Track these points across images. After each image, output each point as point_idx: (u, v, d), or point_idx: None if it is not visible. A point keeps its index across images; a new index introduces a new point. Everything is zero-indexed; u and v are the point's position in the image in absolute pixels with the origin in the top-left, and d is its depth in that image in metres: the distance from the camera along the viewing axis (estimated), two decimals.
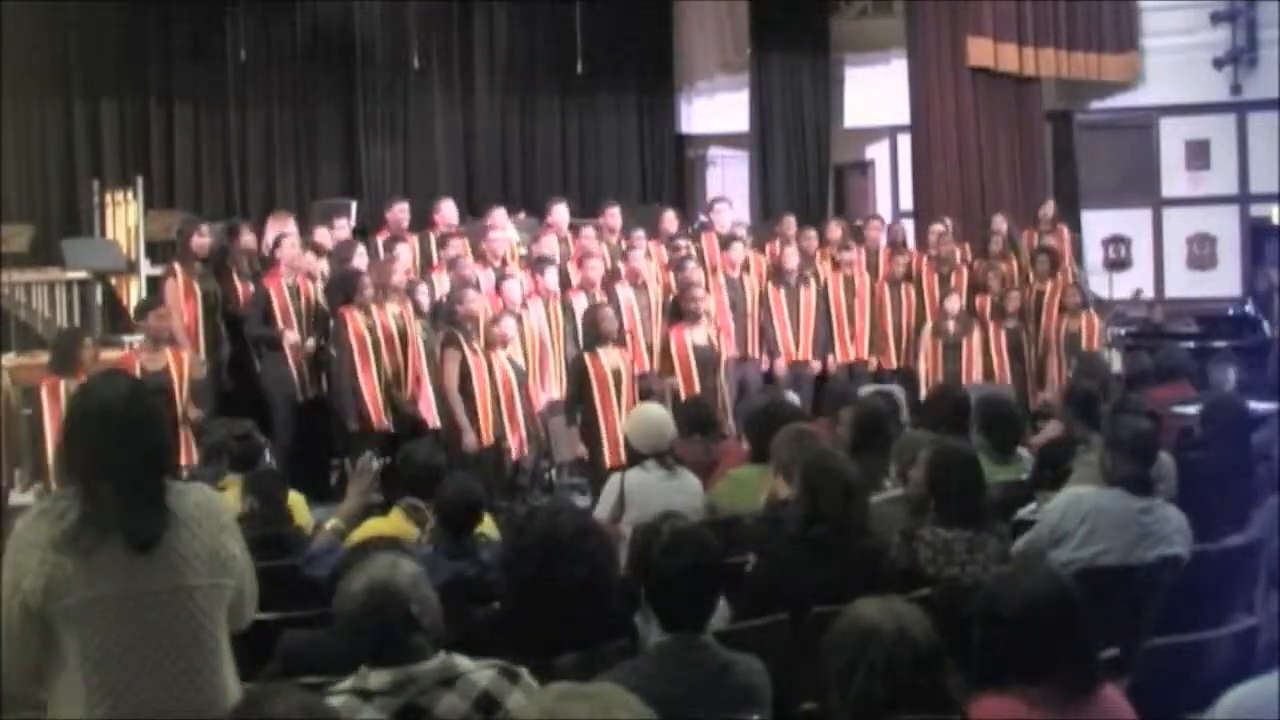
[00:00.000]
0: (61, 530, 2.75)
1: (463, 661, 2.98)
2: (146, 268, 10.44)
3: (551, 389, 9.28)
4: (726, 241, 10.72)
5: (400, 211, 10.27)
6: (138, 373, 7.71)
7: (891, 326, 10.93)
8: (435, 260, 9.91)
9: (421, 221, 10.50)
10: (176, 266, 8.98)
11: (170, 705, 2.78)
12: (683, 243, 10.82)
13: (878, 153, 15.33)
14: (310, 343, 8.97)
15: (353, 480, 5.14)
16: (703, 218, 12.19)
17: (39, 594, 2.73)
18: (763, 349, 10.52)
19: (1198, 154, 13.99)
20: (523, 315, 9.00)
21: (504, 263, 9.77)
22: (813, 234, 11.27)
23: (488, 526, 4.99)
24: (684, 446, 6.32)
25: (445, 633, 3.07)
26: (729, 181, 15.67)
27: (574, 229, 10.74)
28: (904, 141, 14.46)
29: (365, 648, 2.93)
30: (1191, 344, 10.47)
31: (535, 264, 9.66)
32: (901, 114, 14.10)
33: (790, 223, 11.47)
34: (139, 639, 2.77)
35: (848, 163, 15.61)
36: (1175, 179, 14.09)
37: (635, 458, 5.93)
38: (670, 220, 11.23)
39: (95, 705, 2.74)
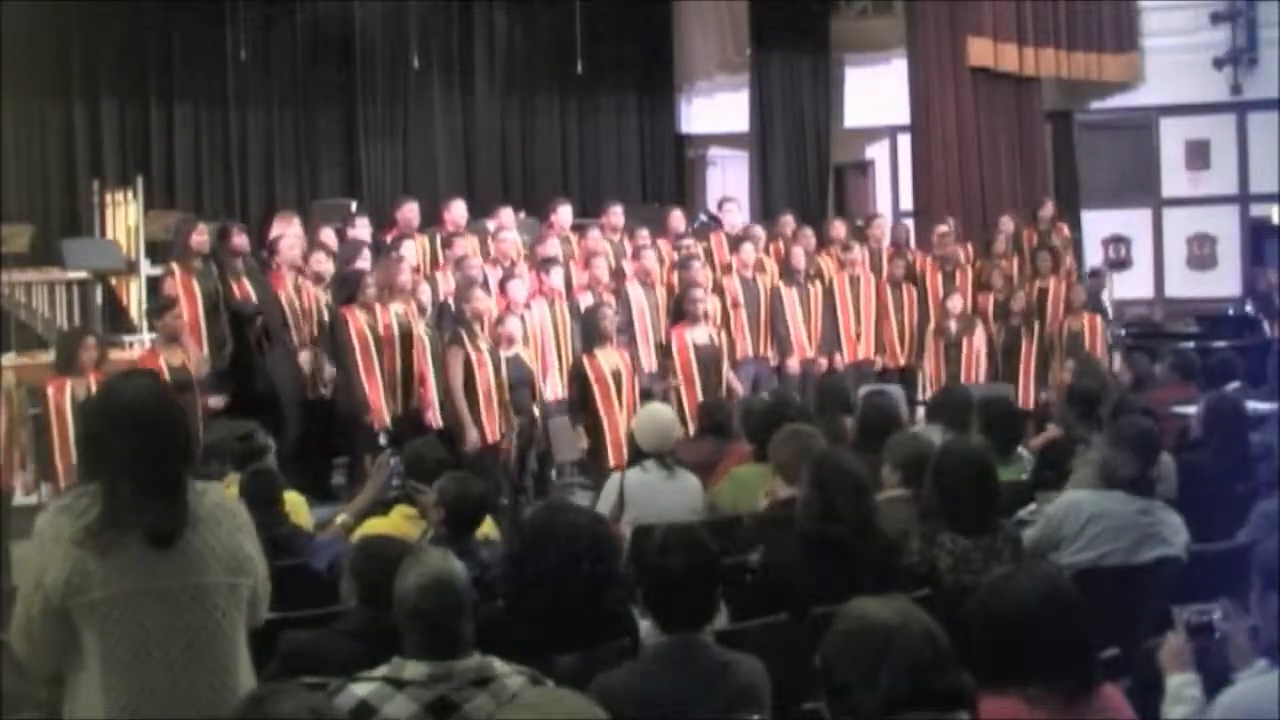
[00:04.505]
0: (82, 526, 2.76)
1: (499, 664, 3.02)
2: (146, 268, 10.44)
3: (556, 388, 9.29)
4: (737, 241, 10.72)
5: (410, 211, 10.31)
6: (164, 368, 7.74)
7: (895, 326, 10.94)
8: (441, 259, 9.92)
9: (429, 221, 10.51)
10: (175, 266, 8.98)
11: (188, 704, 2.78)
12: (688, 242, 10.84)
13: (878, 153, 15.34)
14: (305, 356, 8.93)
15: (371, 476, 5.14)
16: (703, 216, 12.20)
17: (60, 589, 2.73)
18: (773, 347, 10.53)
19: (1198, 154, 14.00)
20: (525, 315, 9.00)
21: (512, 263, 9.78)
22: (809, 233, 11.28)
23: (488, 526, 4.99)
24: (693, 446, 6.34)
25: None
26: (729, 181, 15.67)
27: (577, 229, 10.75)
28: (904, 141, 14.48)
29: (424, 638, 2.99)
30: (1192, 344, 10.48)
31: (541, 264, 9.67)
32: (901, 114, 14.11)
33: (788, 222, 11.49)
34: (158, 637, 2.78)
35: (848, 163, 15.62)
36: (1175, 179, 14.11)
37: (637, 456, 5.94)
38: (677, 219, 11.28)
39: (113, 704, 2.74)
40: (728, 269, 10.56)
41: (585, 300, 9.49)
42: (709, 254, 10.78)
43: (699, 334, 9.25)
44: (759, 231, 11.20)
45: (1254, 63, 13.58)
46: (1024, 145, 13.81)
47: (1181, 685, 3.09)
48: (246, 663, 2.93)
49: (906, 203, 14.52)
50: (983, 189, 13.57)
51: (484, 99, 14.53)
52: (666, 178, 15.77)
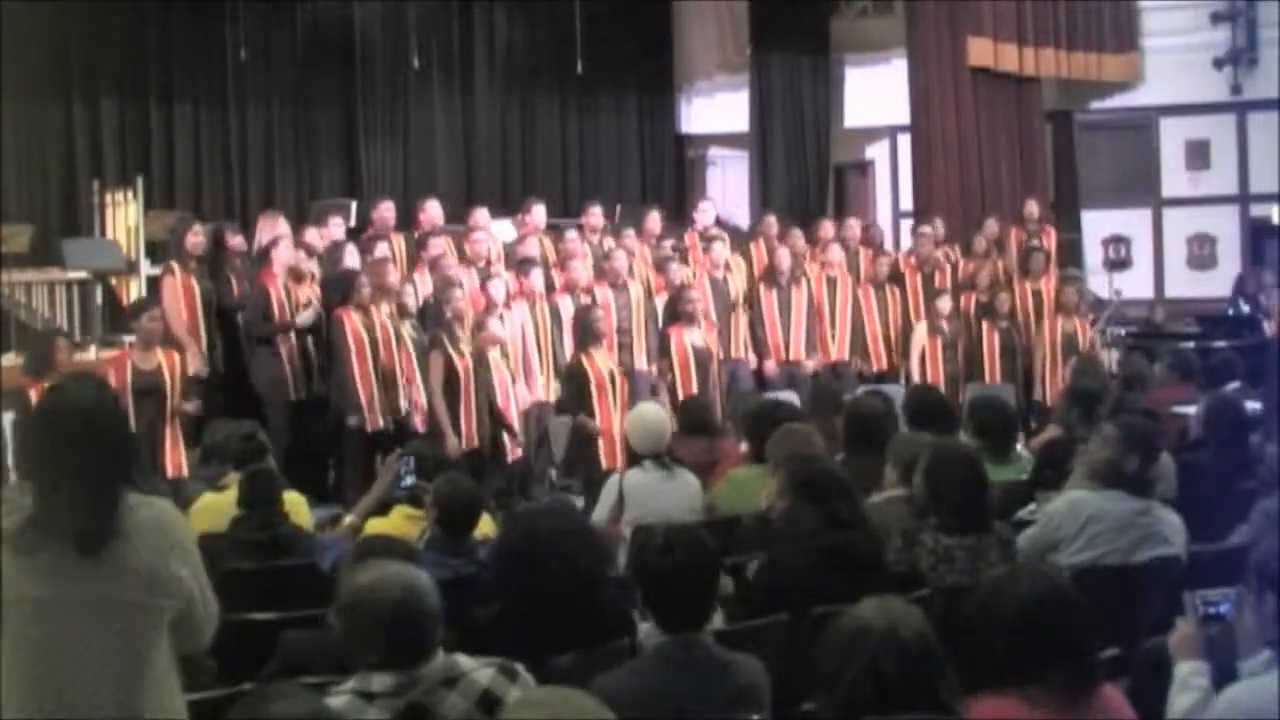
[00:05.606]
0: (9, 526, 2.73)
1: (464, 661, 2.99)
2: (146, 268, 10.42)
3: (537, 390, 9.27)
4: (707, 242, 10.71)
5: (386, 210, 10.28)
6: (129, 373, 7.71)
7: (879, 328, 10.93)
8: (418, 260, 9.89)
9: (409, 221, 10.51)
10: (174, 265, 8.98)
11: (90, 716, 2.72)
12: (668, 242, 10.82)
13: (878, 153, 15.34)
14: (289, 357, 8.90)
15: (379, 475, 5.15)
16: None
17: None
18: (750, 349, 10.51)
19: (1198, 154, 14.00)
20: (504, 316, 8.95)
21: (489, 263, 9.73)
22: (798, 233, 11.27)
23: (488, 526, 4.99)
24: (684, 446, 6.33)
25: (444, 633, 3.08)
26: (729, 181, 15.67)
27: (552, 229, 10.69)
28: (904, 141, 14.48)
29: (391, 649, 2.90)
30: (1191, 344, 10.48)
31: (519, 265, 9.64)
32: (901, 114, 14.11)
33: (771, 223, 11.47)
34: (64, 646, 2.72)
35: (848, 163, 15.62)
36: (1175, 179, 14.11)
37: (634, 458, 5.95)
38: (655, 220, 11.22)
39: (9, 707, 2.70)
40: (699, 270, 10.56)
41: (564, 303, 9.46)
42: (684, 254, 10.79)
43: (695, 334, 9.26)
44: (718, 231, 11.18)
45: (1254, 63, 13.58)
46: (1024, 145, 13.82)
47: (1189, 674, 3.09)
48: (168, 686, 2.83)
49: (907, 203, 14.52)
50: (983, 189, 13.58)
51: (484, 99, 14.52)
52: (666, 178, 15.76)
